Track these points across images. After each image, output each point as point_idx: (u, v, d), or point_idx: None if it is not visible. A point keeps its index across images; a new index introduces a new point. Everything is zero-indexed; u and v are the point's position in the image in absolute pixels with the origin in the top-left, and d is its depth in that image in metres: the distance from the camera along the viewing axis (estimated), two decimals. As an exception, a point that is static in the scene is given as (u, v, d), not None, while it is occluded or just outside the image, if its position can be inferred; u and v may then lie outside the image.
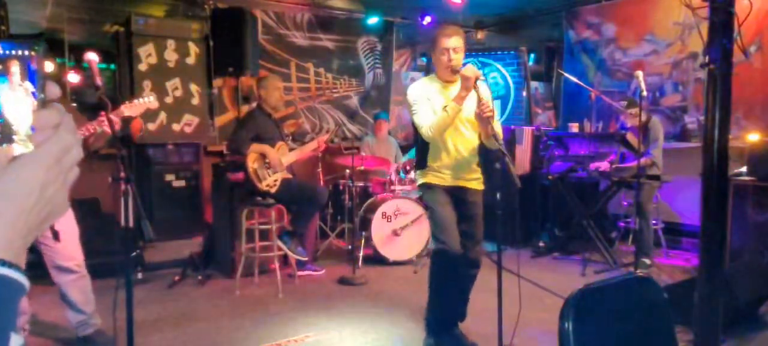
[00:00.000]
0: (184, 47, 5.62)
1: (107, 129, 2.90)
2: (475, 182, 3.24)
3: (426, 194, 3.26)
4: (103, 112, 2.95)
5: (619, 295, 1.51)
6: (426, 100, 3.10)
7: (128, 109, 3.06)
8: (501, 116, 7.78)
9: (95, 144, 3.04)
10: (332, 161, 6.20)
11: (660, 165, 5.02)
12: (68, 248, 3.07)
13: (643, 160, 4.66)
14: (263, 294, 4.43)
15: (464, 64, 3.00)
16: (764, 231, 4.20)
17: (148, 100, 3.12)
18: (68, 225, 3.06)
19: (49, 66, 6.13)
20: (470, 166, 3.21)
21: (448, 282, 3.17)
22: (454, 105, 2.94)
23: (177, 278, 4.70)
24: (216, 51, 5.32)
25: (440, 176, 3.18)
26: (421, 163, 3.25)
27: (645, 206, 4.91)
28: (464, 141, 3.15)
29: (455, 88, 3.08)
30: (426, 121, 3.04)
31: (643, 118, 4.56)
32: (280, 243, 4.47)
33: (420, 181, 3.27)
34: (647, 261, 4.92)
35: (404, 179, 5.56)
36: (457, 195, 3.20)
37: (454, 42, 3.02)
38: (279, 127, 4.78)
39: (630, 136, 5.06)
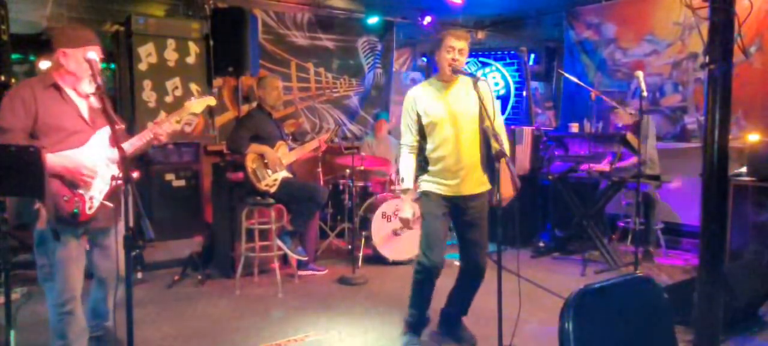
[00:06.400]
0: (184, 47, 5.61)
1: (179, 125, 2.95)
2: (478, 185, 3.12)
3: (423, 203, 3.17)
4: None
5: (619, 295, 1.51)
6: (412, 114, 3.14)
7: (193, 105, 3.09)
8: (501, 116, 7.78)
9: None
10: (332, 161, 6.20)
11: (656, 162, 5.01)
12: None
13: (636, 159, 4.65)
14: (263, 294, 4.43)
15: (463, 68, 3.02)
16: (764, 231, 4.20)
17: (208, 97, 3.18)
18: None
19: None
20: (474, 169, 3.09)
21: (428, 291, 3.21)
22: (404, 189, 3.20)
23: (177, 277, 4.71)
24: (216, 51, 5.31)
25: (440, 183, 3.10)
26: (421, 168, 3.18)
27: (653, 202, 4.92)
28: (468, 145, 3.06)
29: (454, 89, 3.11)
30: (402, 147, 3.22)
31: (636, 119, 4.56)
32: (280, 243, 4.47)
33: (419, 188, 3.22)
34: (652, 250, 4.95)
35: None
36: (458, 204, 3.12)
37: (461, 44, 3.04)
38: (279, 126, 4.78)
39: (630, 136, 5.06)
